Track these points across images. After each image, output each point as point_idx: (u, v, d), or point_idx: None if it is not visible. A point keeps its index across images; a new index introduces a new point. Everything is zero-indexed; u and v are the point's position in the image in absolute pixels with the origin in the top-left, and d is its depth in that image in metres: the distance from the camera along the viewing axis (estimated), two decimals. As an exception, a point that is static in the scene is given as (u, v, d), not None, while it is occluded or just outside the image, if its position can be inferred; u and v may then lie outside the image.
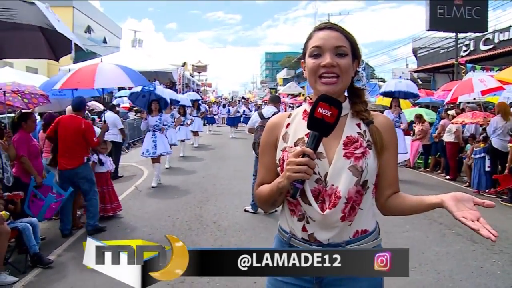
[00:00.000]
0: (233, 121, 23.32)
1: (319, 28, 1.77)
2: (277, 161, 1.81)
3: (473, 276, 4.75)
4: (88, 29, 37.58)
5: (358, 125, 1.75)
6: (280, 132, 1.83)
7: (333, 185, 1.67)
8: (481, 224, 1.47)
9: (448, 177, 10.76)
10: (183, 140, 14.45)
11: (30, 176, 5.87)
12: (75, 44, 4.94)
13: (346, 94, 1.82)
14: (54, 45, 5.19)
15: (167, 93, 11.21)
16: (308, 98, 1.85)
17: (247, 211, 7.01)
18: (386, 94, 11.62)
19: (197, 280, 4.61)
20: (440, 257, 5.29)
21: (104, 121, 7.39)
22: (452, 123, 10.36)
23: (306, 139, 1.69)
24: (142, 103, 10.46)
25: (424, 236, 6.12)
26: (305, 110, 1.83)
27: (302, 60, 1.82)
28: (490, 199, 8.21)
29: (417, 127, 12.08)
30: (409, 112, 13.54)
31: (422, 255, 5.35)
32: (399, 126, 10.10)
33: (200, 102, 20.51)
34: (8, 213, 4.92)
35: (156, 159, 9.70)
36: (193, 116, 17.13)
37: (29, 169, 5.88)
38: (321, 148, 1.67)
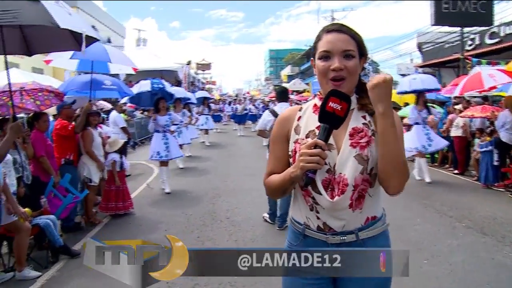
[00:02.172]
0: (240, 119, 23.33)
1: (327, 30, 1.87)
2: (290, 152, 1.92)
3: (485, 267, 4.83)
4: (92, 29, 37.68)
5: (364, 117, 1.87)
6: (292, 125, 1.95)
7: (341, 173, 1.79)
8: None
9: (456, 171, 10.81)
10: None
11: (49, 175, 6.00)
12: (89, 36, 4.85)
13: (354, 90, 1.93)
14: (76, 36, 5.15)
15: (179, 90, 11.12)
16: (318, 93, 1.96)
17: (266, 220, 6.60)
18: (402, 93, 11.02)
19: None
20: (452, 249, 5.38)
21: (90, 100, 7.04)
22: (461, 116, 10.39)
23: (317, 131, 1.82)
24: (147, 103, 10.02)
25: (435, 229, 6.20)
26: (315, 105, 1.95)
27: (312, 59, 1.94)
28: (499, 193, 8.34)
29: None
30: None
31: (434, 247, 5.45)
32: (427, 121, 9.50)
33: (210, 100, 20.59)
34: (31, 210, 5.06)
35: (165, 163, 9.09)
36: (204, 114, 17.25)
37: (48, 169, 6.02)
38: (331, 140, 1.79)
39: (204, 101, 17.99)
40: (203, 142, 17.35)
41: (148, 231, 6.33)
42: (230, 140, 19.38)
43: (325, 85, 1.85)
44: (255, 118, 23.92)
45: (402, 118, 14.80)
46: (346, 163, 1.79)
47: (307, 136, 1.87)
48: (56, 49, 5.71)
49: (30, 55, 5.26)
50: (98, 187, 7.42)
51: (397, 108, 15.70)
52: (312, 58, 1.94)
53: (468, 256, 5.19)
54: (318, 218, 1.86)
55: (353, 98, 1.89)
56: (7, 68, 4.46)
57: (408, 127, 13.80)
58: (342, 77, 1.80)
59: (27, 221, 4.74)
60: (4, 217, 4.47)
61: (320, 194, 1.80)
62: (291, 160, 1.91)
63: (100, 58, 7.11)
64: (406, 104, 15.44)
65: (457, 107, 11.72)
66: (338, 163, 1.80)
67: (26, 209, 4.83)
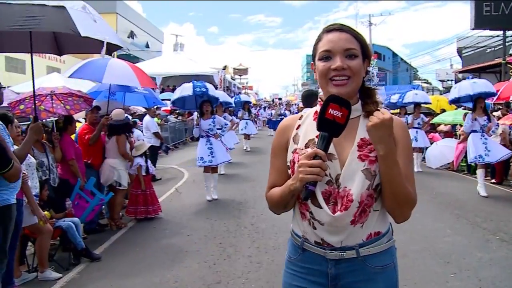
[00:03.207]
0: (274, 124, 22.81)
1: (328, 30, 1.75)
2: (288, 163, 1.81)
3: (518, 284, 4.57)
4: (131, 34, 38.62)
5: None
6: (291, 134, 1.84)
7: (346, 187, 1.66)
8: None
9: (493, 180, 10.38)
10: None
11: (77, 178, 6.12)
12: (113, 44, 4.94)
13: (357, 95, 1.79)
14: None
15: (220, 94, 10.45)
16: (319, 99, 1.84)
17: None
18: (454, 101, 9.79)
19: (233, 280, 4.67)
20: (482, 264, 5.11)
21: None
22: (499, 124, 9.98)
23: (316, 140, 1.69)
24: (192, 106, 9.49)
25: (466, 241, 5.93)
26: (316, 112, 1.83)
27: (312, 63, 1.82)
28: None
29: (461, 129, 11.73)
30: (453, 113, 13.20)
31: (463, 260, 5.19)
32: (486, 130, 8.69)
33: (251, 104, 20.48)
34: (50, 212, 5.15)
35: (211, 169, 8.60)
36: (244, 118, 17.15)
37: (76, 173, 6.15)
38: (332, 150, 1.67)
39: (244, 105, 17.81)
40: (245, 148, 17.01)
41: (171, 235, 6.35)
42: (263, 146, 19.28)
43: (325, 88, 1.72)
44: None
45: (439, 124, 14.45)
46: (353, 177, 1.66)
47: (306, 146, 1.76)
48: (85, 50, 5.83)
49: (60, 54, 5.42)
50: (125, 191, 7.54)
51: (431, 114, 15.31)
52: (312, 62, 1.83)
53: (499, 271, 4.91)
54: (315, 233, 1.74)
55: (358, 105, 1.77)
56: (32, 67, 4.56)
57: (445, 134, 13.48)
58: (347, 76, 1.67)
59: (47, 223, 4.81)
60: (26, 219, 4.54)
61: (320, 207, 1.69)
62: (289, 171, 1.80)
63: (92, 78, 7.13)
64: (443, 111, 15.03)
65: (495, 113, 11.30)
66: (343, 175, 1.67)
67: (46, 212, 4.91)
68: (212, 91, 8.85)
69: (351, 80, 1.68)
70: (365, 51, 1.74)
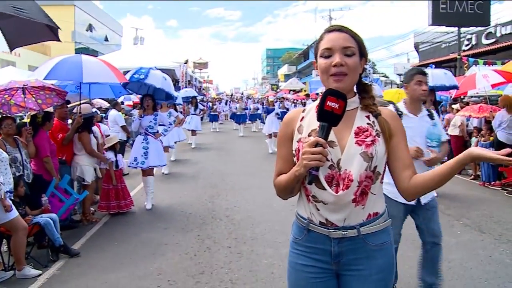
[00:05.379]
0: (239, 118, 22.53)
1: (329, 31, 1.95)
2: (293, 152, 1.98)
3: (483, 264, 4.89)
4: (90, 27, 37.67)
5: (368, 117, 1.93)
6: (296, 125, 2.01)
7: (346, 169, 1.85)
8: None
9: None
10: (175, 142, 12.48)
11: (51, 175, 6.03)
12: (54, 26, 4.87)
13: (355, 90, 2.00)
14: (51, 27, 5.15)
15: (165, 84, 7.90)
16: (320, 94, 2.02)
17: None
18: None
19: (216, 270, 4.76)
20: (450, 247, 5.41)
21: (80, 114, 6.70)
22: (458, 116, 10.45)
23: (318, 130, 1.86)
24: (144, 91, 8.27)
25: (433, 227, 6.24)
26: (317, 105, 1.99)
27: (314, 60, 2.01)
28: (495, 192, 8.40)
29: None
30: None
31: (433, 245, 5.48)
32: None
33: (198, 99, 19.87)
34: (31, 209, 5.08)
35: (147, 171, 7.66)
36: (191, 114, 16.60)
37: (50, 171, 6.05)
38: (333, 137, 1.85)
39: (192, 100, 17.41)
40: (190, 143, 16.26)
41: (149, 229, 6.35)
42: (227, 139, 19.35)
43: (326, 83, 1.91)
44: (253, 117, 23.75)
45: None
46: (352, 160, 1.84)
47: (309, 135, 1.93)
48: (36, 40, 5.70)
49: (11, 50, 5.29)
50: (96, 185, 7.45)
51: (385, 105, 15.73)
52: (314, 61, 2.01)
53: (466, 253, 5.24)
54: (319, 214, 1.91)
55: (356, 99, 1.97)
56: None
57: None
58: (344, 73, 1.85)
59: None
60: None
61: (324, 189, 1.86)
62: (295, 159, 1.96)
63: (71, 78, 6.83)
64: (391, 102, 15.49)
65: (454, 106, 11.80)
66: (344, 159, 1.85)
67: None
68: (152, 78, 7.51)
69: (347, 76, 1.87)
70: (362, 50, 1.94)
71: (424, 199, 3.73)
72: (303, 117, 2.02)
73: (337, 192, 1.84)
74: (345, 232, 1.88)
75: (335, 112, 1.74)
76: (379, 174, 1.90)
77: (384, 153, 1.90)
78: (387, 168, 1.96)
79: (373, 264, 1.92)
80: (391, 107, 3.69)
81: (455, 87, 10.08)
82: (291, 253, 2.06)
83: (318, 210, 1.91)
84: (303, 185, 1.95)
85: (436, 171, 1.80)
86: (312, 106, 2.04)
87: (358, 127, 1.89)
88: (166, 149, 10.24)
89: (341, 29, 1.93)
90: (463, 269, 4.78)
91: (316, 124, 1.87)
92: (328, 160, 1.83)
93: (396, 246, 3.72)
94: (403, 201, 3.19)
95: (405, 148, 1.94)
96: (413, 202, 3.64)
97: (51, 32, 5.11)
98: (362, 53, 1.93)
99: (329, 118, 1.75)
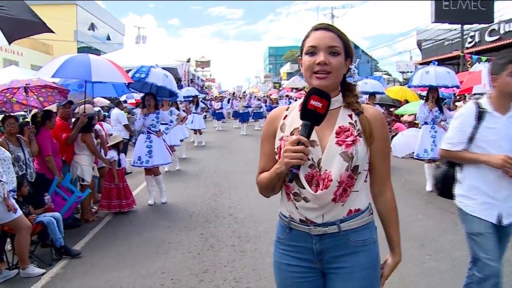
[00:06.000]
0: (242, 117, 22.28)
1: (315, 28, 1.93)
2: (275, 149, 1.98)
3: (488, 263, 4.85)
4: (92, 26, 37.67)
5: (350, 116, 1.92)
6: (279, 123, 2.01)
7: (326, 169, 1.84)
8: None
9: (457, 168, 10.78)
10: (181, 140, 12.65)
11: (54, 174, 6.03)
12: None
13: (340, 89, 1.99)
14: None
15: (166, 81, 7.87)
16: (304, 92, 2.00)
17: None
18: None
19: (220, 269, 4.75)
20: (454, 245, 5.39)
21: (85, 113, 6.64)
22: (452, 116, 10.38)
23: (300, 128, 1.85)
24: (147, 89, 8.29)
25: (437, 225, 6.23)
26: (301, 104, 1.98)
27: (300, 58, 1.99)
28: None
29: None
30: (416, 104, 13.60)
31: (436, 243, 5.47)
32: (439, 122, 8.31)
33: (200, 98, 19.68)
34: (34, 208, 5.09)
35: (152, 170, 7.75)
36: (192, 113, 16.45)
37: (52, 169, 6.06)
38: (314, 137, 1.84)
39: (193, 98, 17.32)
40: (193, 141, 16.48)
41: (151, 228, 6.36)
42: (230, 138, 19.33)
43: (309, 80, 1.90)
44: (258, 115, 23.59)
45: (402, 115, 14.89)
46: (332, 160, 1.84)
47: (291, 134, 1.92)
48: (29, 33, 5.68)
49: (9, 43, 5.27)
50: (98, 184, 7.45)
51: (395, 106, 15.71)
52: (300, 57, 2.00)
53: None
54: (298, 212, 1.92)
55: (339, 97, 1.96)
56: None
57: (409, 124, 13.86)
58: (327, 71, 1.84)
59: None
60: (2, 215, 4.48)
61: (304, 188, 1.86)
62: (276, 157, 1.96)
63: (79, 77, 6.74)
64: (406, 102, 15.47)
65: (457, 104, 11.77)
66: (324, 159, 1.85)
67: None
68: (154, 76, 7.53)
69: (331, 75, 1.86)
70: (347, 50, 1.92)
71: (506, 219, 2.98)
72: (286, 115, 2.01)
73: (316, 191, 1.84)
74: (325, 229, 1.88)
75: (318, 111, 1.74)
76: (360, 173, 1.90)
77: (365, 152, 1.89)
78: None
79: (356, 261, 1.91)
80: (471, 103, 3.10)
81: (456, 87, 9.95)
82: (276, 253, 2.07)
83: (297, 208, 1.91)
84: (285, 183, 1.94)
85: (390, 230, 2.06)
86: (295, 105, 2.04)
87: (339, 127, 1.89)
88: (172, 148, 10.21)
89: (328, 27, 1.92)
90: (467, 267, 4.73)
91: (298, 123, 1.86)
92: (309, 159, 1.83)
93: (496, 281, 2.95)
94: (486, 217, 2.92)
95: (382, 163, 1.98)
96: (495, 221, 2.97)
97: (44, 25, 5.09)
98: (348, 53, 1.92)
99: (312, 117, 1.75)
